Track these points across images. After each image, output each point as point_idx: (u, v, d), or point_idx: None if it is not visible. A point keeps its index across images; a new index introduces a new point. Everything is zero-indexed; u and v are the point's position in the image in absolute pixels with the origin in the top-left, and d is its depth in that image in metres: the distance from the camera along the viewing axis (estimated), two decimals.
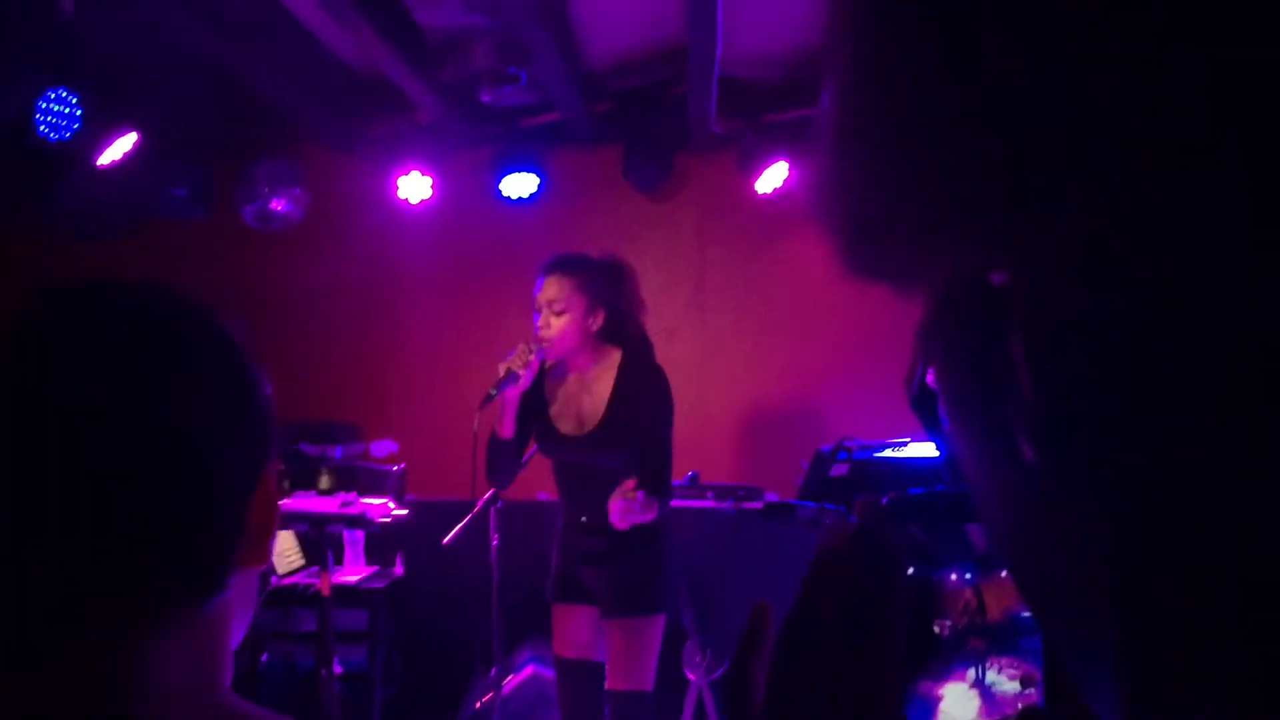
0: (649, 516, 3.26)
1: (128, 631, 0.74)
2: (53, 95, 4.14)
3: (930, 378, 0.47)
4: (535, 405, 3.50)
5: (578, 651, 3.50)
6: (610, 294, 3.41)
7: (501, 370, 3.37)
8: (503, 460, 3.49)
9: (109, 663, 0.74)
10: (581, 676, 3.50)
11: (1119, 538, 0.39)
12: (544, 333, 3.37)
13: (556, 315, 3.35)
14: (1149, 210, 0.35)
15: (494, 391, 3.38)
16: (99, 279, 0.81)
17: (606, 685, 3.42)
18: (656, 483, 3.30)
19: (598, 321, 3.38)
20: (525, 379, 3.39)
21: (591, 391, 3.44)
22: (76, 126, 4.20)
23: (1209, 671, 0.37)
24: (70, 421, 0.72)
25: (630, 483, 3.21)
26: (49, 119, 4.13)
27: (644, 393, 3.38)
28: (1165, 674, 0.39)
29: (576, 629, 3.50)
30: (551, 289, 3.36)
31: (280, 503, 0.89)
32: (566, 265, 3.40)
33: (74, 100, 4.19)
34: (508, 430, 3.43)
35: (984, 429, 0.43)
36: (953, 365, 0.45)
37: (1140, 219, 0.35)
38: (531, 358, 3.37)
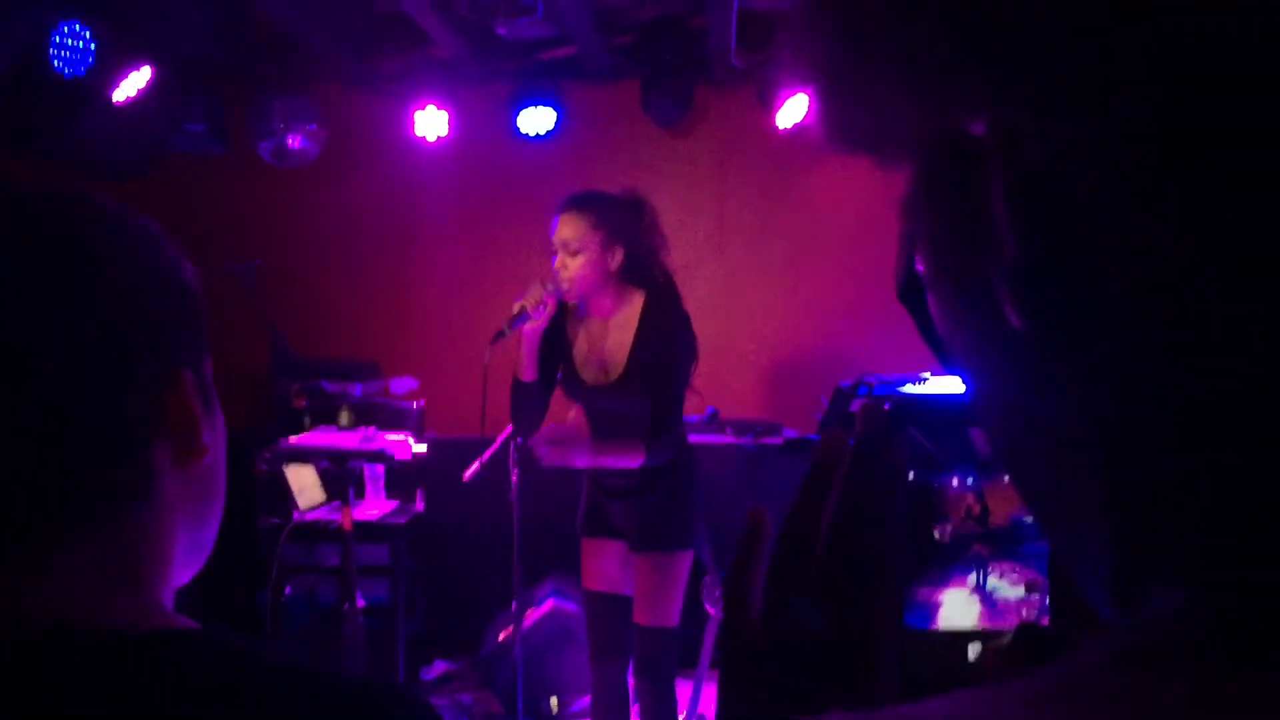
0: (576, 461, 3.26)
1: (25, 549, 0.74)
2: (65, 29, 4.09)
3: (919, 263, 0.45)
4: (559, 351, 3.44)
5: (606, 585, 3.50)
6: (628, 230, 3.32)
7: (515, 308, 3.30)
8: (526, 405, 3.43)
9: (14, 581, 0.74)
10: (609, 610, 3.50)
11: (1105, 400, 0.38)
12: (561, 274, 3.29)
13: (572, 255, 3.26)
14: (1143, 55, 0.34)
15: (506, 329, 3.31)
16: None
17: (634, 620, 3.43)
18: (656, 426, 3.28)
19: (616, 259, 3.29)
20: (540, 318, 3.32)
21: (614, 338, 3.36)
22: (90, 61, 4.16)
23: (1193, 529, 0.36)
24: None
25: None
26: (63, 53, 4.09)
27: (665, 340, 3.30)
28: (1150, 533, 0.38)
29: (605, 563, 3.50)
30: (566, 228, 3.28)
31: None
32: (580, 202, 3.31)
33: (87, 33, 4.14)
34: (528, 373, 3.38)
35: (969, 301, 0.41)
36: (935, 236, 0.43)
37: (1132, 63, 0.34)
38: (546, 297, 3.29)
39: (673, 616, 3.39)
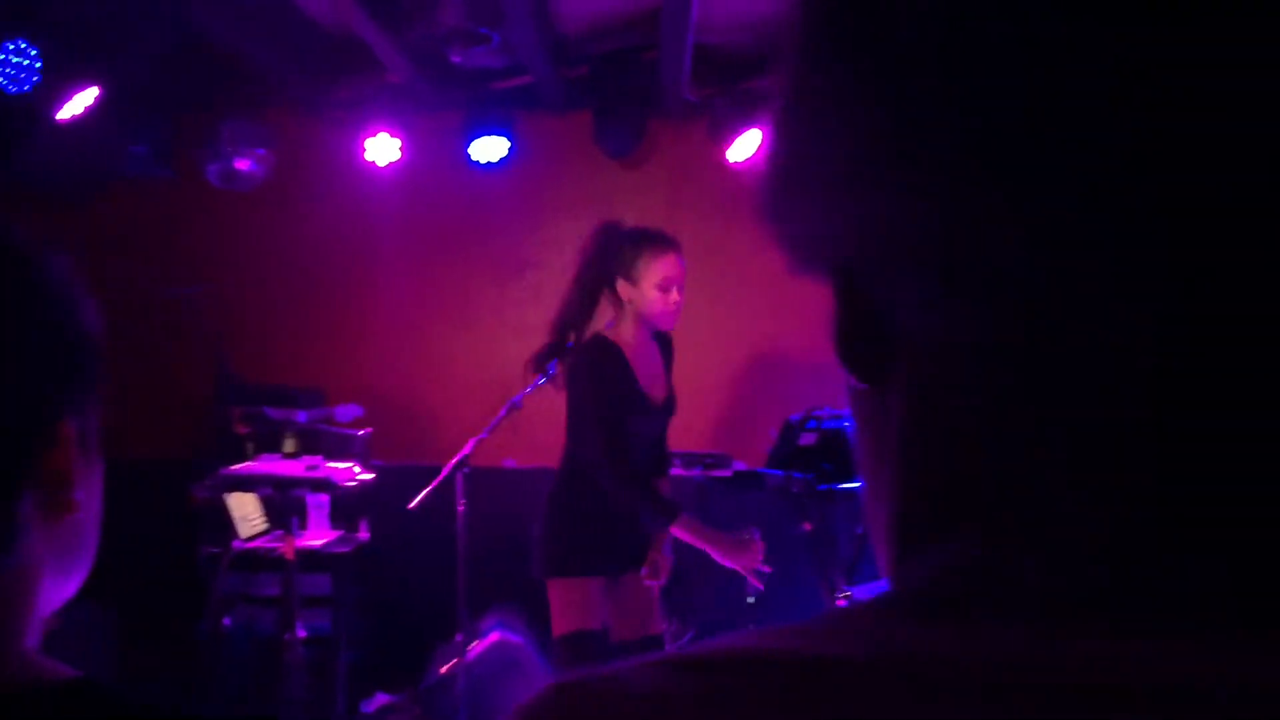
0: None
1: None
2: (11, 47, 4.03)
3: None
4: (629, 380, 3.63)
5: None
6: None
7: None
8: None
9: None
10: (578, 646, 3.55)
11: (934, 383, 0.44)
12: (670, 307, 3.65)
13: (680, 291, 3.65)
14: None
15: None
16: None
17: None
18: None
19: None
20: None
21: (655, 364, 3.71)
22: (36, 79, 4.10)
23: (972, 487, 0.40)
24: None
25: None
26: (8, 70, 4.02)
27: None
28: (930, 490, 0.42)
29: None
30: (680, 267, 3.68)
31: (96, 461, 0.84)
32: None
33: (33, 52, 4.08)
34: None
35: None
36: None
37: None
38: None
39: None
